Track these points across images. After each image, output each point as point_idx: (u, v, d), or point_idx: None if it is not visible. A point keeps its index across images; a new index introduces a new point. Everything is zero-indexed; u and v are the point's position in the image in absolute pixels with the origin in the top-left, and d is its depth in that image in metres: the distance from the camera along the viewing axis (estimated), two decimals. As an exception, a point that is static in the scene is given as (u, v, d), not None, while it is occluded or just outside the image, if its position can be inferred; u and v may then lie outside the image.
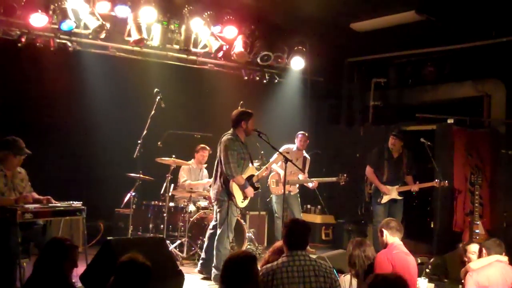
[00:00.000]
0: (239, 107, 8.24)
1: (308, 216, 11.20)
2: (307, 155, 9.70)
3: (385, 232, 5.74)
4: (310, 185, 9.41)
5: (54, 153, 8.98)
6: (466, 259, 6.30)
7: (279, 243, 5.00)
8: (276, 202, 9.41)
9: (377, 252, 5.71)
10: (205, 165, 9.61)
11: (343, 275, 6.03)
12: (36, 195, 6.47)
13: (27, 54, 8.49)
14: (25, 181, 6.53)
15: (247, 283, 3.76)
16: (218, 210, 7.40)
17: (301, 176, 9.25)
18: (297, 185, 9.61)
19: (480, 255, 6.15)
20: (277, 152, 7.93)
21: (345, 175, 9.28)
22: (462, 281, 6.12)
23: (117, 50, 9.22)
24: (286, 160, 7.29)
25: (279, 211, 9.30)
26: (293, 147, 9.53)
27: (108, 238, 5.77)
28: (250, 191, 7.43)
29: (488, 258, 5.88)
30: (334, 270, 5.55)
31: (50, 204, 6.32)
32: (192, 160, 9.49)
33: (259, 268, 4.07)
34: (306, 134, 9.59)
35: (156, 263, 5.64)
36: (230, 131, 7.45)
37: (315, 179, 9.36)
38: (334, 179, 9.32)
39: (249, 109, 7.79)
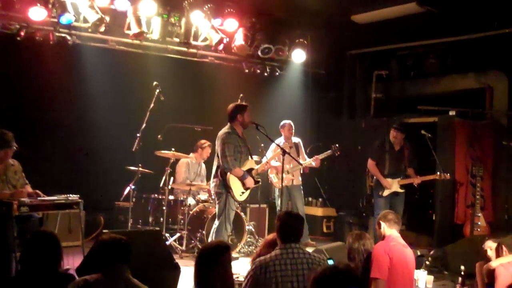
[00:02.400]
0: (239, 100, 8.23)
1: (310, 208, 11.18)
2: (296, 140, 9.66)
3: (382, 224, 5.71)
4: (313, 163, 9.38)
5: (54, 146, 9.03)
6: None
7: (270, 236, 4.99)
8: (279, 196, 9.38)
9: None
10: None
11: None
12: (29, 188, 6.47)
13: (27, 48, 8.49)
14: (19, 173, 6.52)
15: (217, 271, 3.75)
16: (217, 202, 7.43)
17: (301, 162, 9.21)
18: (300, 176, 9.61)
19: (498, 253, 6.05)
20: (274, 144, 7.91)
21: (337, 145, 9.24)
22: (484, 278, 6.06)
23: (116, 44, 9.22)
24: (284, 152, 7.28)
25: (281, 204, 9.29)
26: (280, 140, 9.39)
27: (104, 231, 5.77)
28: (250, 181, 7.43)
29: (510, 256, 5.80)
30: (331, 262, 5.55)
31: (45, 198, 6.32)
32: (192, 154, 9.45)
33: (231, 257, 4.05)
34: (291, 122, 9.55)
35: (152, 256, 5.69)
36: (227, 126, 7.45)
37: (314, 157, 9.33)
38: (329, 152, 9.28)
39: (244, 102, 7.80)
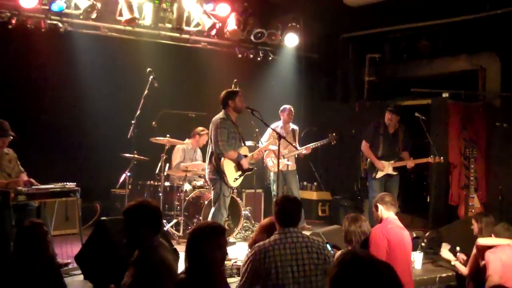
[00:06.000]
0: (233, 86, 8.22)
1: (305, 192, 11.22)
2: (294, 126, 9.72)
3: (380, 207, 5.75)
4: (304, 151, 9.44)
5: (48, 134, 8.99)
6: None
7: (265, 221, 5.01)
8: (274, 180, 9.41)
9: (372, 227, 5.73)
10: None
11: (339, 251, 6.04)
12: (25, 177, 6.45)
13: (18, 36, 8.45)
14: (14, 162, 6.50)
15: (207, 254, 3.68)
16: (212, 188, 7.45)
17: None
18: (295, 160, 9.65)
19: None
20: (270, 129, 7.92)
21: (334, 134, 9.33)
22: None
23: (108, 30, 9.16)
24: (279, 137, 7.29)
25: (276, 188, 9.32)
26: (278, 124, 9.49)
27: (102, 218, 5.79)
28: (245, 162, 7.43)
29: (500, 240, 5.88)
30: (328, 246, 5.58)
31: (40, 186, 6.31)
32: (187, 140, 9.43)
33: (226, 240, 4.02)
34: (291, 107, 9.59)
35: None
36: (222, 112, 7.46)
37: (308, 145, 9.38)
38: (325, 141, 9.36)
39: (238, 87, 7.82)
